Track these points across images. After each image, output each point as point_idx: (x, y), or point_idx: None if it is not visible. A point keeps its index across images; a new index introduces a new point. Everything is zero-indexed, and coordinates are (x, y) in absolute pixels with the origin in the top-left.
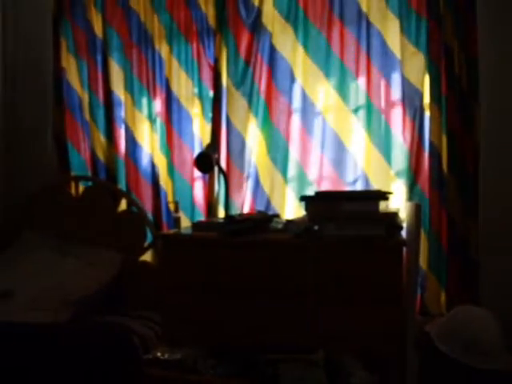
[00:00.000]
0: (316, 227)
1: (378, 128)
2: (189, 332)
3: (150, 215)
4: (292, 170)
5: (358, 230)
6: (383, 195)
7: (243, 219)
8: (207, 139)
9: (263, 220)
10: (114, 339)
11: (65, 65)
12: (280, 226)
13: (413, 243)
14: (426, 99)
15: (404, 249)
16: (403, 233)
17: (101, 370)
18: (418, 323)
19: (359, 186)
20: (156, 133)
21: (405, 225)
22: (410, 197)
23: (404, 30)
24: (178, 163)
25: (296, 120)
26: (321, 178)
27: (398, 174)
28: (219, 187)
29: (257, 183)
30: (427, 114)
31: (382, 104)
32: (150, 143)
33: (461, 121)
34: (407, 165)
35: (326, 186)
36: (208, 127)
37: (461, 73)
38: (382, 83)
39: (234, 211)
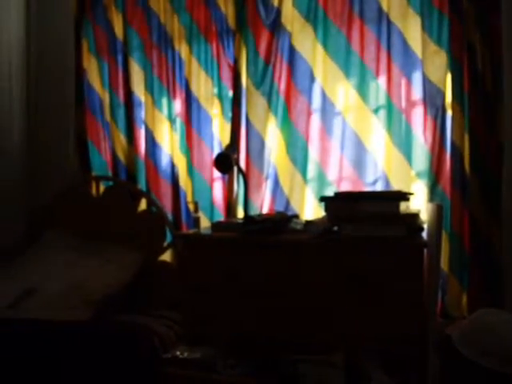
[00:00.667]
0: (335, 228)
1: (398, 128)
2: (208, 331)
3: (169, 215)
4: (311, 171)
5: (379, 231)
6: (404, 196)
7: (262, 219)
8: (226, 139)
9: (282, 220)
10: (135, 339)
11: (86, 65)
12: (299, 227)
13: (434, 244)
14: (448, 98)
15: (425, 250)
16: (424, 234)
17: (121, 370)
18: (438, 326)
19: (379, 187)
20: (176, 133)
21: (426, 226)
22: (432, 197)
23: (425, 27)
24: (198, 163)
25: (316, 120)
26: (340, 179)
27: (418, 175)
28: (238, 187)
29: (276, 183)
30: (449, 113)
31: (403, 104)
32: (169, 143)
33: (483, 120)
34: (428, 165)
35: (345, 187)
36: (227, 127)
37: (484, 71)
38: (403, 82)
39: (253, 211)
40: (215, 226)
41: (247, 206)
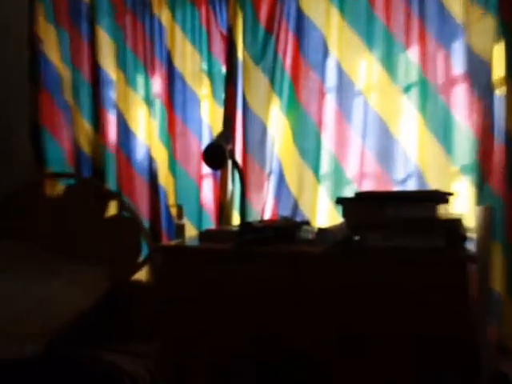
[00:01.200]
0: (356, 237)
1: (434, 111)
2: (192, 367)
3: (146, 222)
4: (325, 165)
5: (411, 241)
6: (442, 197)
7: (263, 227)
8: (219, 126)
9: (289, 228)
10: (100, 382)
11: (42, 35)
12: (310, 236)
13: (482, 258)
14: (498, 73)
15: (471, 265)
16: (469, 245)
17: None
18: (493, 362)
19: (411, 186)
20: (155, 119)
21: (471, 234)
22: (479, 199)
23: None
24: (182, 157)
25: (330, 102)
26: (362, 175)
27: (462, 170)
28: (233, 187)
29: (281, 181)
30: (499, 92)
31: (440, 80)
32: (146, 131)
33: None
34: (474, 158)
35: (368, 186)
36: (220, 111)
37: None
38: (440, 55)
39: (253, 217)
40: (204, 235)
41: (245, 211)
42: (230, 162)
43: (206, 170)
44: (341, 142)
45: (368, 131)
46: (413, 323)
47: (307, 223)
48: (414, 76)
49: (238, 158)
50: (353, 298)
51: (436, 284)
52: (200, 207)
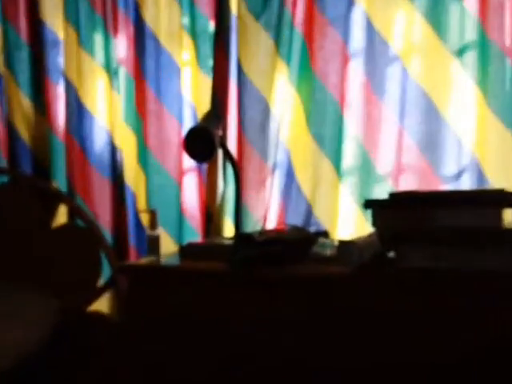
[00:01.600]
0: (391, 254)
1: (499, 82)
2: None
3: (107, 233)
4: (349, 157)
5: (468, 260)
6: (510, 198)
7: (266, 241)
8: (205, 104)
9: (300, 242)
10: None
11: None
12: (328, 253)
13: None
14: None
15: None
16: None
17: None
18: None
19: (466, 183)
20: (118, 93)
21: None
22: None
23: None
24: (156, 145)
25: (356, 70)
26: (399, 170)
27: None
28: (225, 186)
29: (289, 179)
30: None
31: (507, 40)
32: (107, 111)
33: None
34: None
35: (408, 184)
36: (206, 84)
37: None
38: (509, 4)
39: (251, 227)
40: (186, 251)
41: (240, 218)
42: (220, 153)
43: (188, 163)
44: (370, 125)
45: (407, 110)
46: (475, 366)
47: (325, 234)
48: (470, 34)
49: (232, 146)
50: (386, 336)
51: (507, 318)
52: (180, 213)
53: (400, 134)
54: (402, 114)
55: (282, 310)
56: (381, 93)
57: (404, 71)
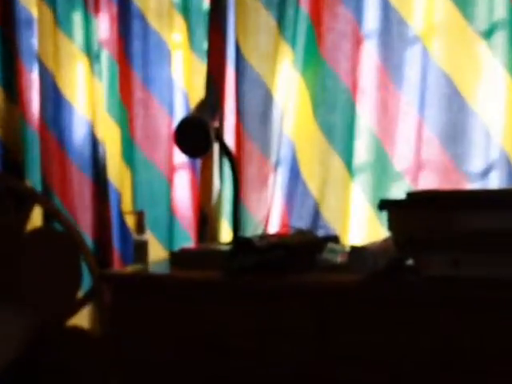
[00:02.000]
0: (410, 261)
1: None
2: None
3: (88, 238)
4: (362, 151)
5: (496, 268)
6: None
7: (268, 246)
8: (199, 92)
9: (306, 247)
10: None
11: None
12: (338, 260)
13: None
14: None
15: None
16: None
17: None
18: None
19: (494, 181)
20: (100, 80)
21: None
22: None
23: None
24: (144, 139)
25: (370, 53)
26: (419, 166)
27: None
28: (222, 184)
29: (294, 176)
30: None
31: None
32: (88, 100)
33: None
34: None
35: (428, 182)
36: (201, 68)
37: None
38: None
39: (251, 230)
40: (178, 258)
41: (239, 221)
42: (216, 147)
43: (179, 158)
44: (386, 115)
45: (428, 98)
46: None
47: (334, 239)
48: (500, 12)
49: (230, 139)
50: (402, 351)
51: None
52: (171, 215)
53: (419, 126)
54: (421, 103)
55: (285, 324)
56: (398, 79)
57: (425, 54)
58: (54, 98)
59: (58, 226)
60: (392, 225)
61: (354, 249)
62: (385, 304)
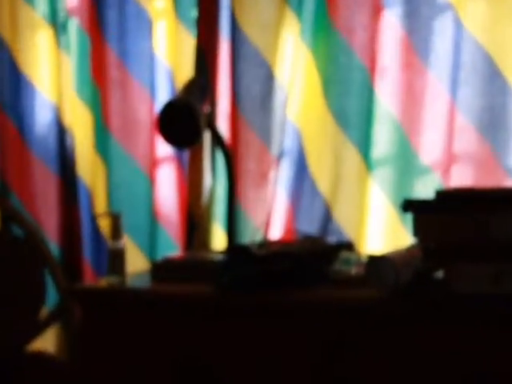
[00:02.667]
0: (440, 274)
1: None
2: None
3: (54, 246)
4: (382, 141)
5: None
6: None
7: (269, 255)
8: (187, 69)
9: (315, 257)
10: None
11: None
12: (353, 271)
13: None
14: None
15: None
16: None
17: None
18: None
19: None
20: (67, 54)
21: None
22: None
23: None
24: (120, 126)
25: (392, 23)
26: (450, 159)
27: None
28: (214, 181)
29: (301, 170)
30: None
31: None
32: (53, 79)
33: None
34: None
35: (463, 178)
36: (188, 41)
37: None
38: None
39: (249, 236)
40: (160, 269)
41: (234, 224)
42: (207, 136)
43: (163, 150)
44: (411, 98)
45: (462, 78)
46: None
47: (348, 247)
48: None
49: (223, 127)
50: (432, 381)
51: None
52: (153, 218)
53: (451, 110)
54: (454, 83)
55: (289, 349)
56: (425, 54)
57: (457, 24)
58: (11, 77)
59: (17, 231)
60: (418, 230)
61: (373, 259)
62: (409, 326)
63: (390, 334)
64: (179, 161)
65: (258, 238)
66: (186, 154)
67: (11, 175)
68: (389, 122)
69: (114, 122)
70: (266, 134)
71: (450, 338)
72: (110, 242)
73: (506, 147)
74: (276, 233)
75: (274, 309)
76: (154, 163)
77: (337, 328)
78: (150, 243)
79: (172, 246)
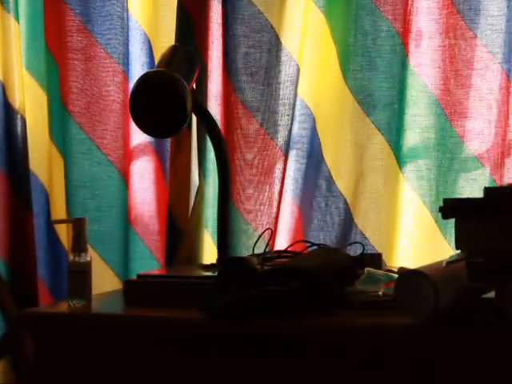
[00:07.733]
0: (490, 294)
1: None
2: None
3: (0, 262)
4: (417, 127)
5: None
6: None
7: (274, 272)
8: (167, 36)
9: (332, 273)
10: None
11: None
12: (380, 292)
13: None
14: None
15: None
16: None
17: None
18: None
19: None
20: (15, 18)
21: None
22: None
23: None
24: (83, 108)
25: None
26: (504, 149)
27: None
28: (204, 179)
29: (314, 164)
30: None
31: None
32: None
33: None
34: None
35: None
36: (170, 3)
37: None
38: None
39: (247, 247)
40: (135, 288)
41: (228, 231)
42: (194, 121)
43: (139, 139)
44: (454, 73)
45: None
46: None
47: (375, 261)
48: None
49: (215, 109)
50: None
51: None
52: (126, 225)
53: (506, 89)
54: (509, 56)
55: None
56: (472, 19)
57: None
58: None
59: None
60: (462, 239)
61: (405, 275)
62: (454, 359)
63: (427, 371)
64: (159, 153)
65: (260, 249)
66: (168, 145)
67: None
68: (426, 103)
69: (76, 103)
70: (269, 119)
71: (505, 371)
72: (70, 256)
73: None
74: (282, 243)
75: (278, 342)
76: (126, 156)
77: (359, 362)
78: (122, 257)
79: (150, 260)
